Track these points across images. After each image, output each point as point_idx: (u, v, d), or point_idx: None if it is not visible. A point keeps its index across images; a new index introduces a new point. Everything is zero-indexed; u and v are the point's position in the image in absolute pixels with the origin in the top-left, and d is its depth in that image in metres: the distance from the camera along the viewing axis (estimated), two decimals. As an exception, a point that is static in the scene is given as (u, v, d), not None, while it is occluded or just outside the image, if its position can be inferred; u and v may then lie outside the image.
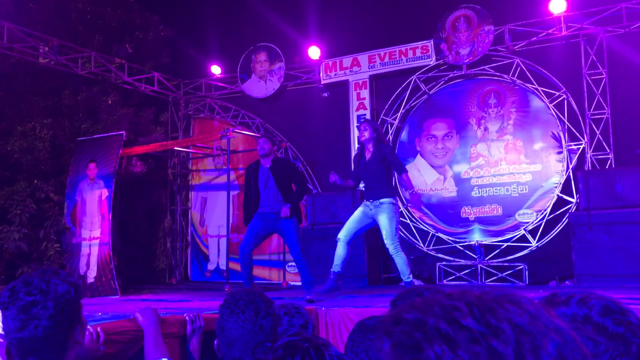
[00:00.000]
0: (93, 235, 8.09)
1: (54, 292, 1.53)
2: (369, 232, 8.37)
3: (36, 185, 8.45)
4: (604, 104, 7.77)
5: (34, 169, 8.59)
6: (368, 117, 9.18)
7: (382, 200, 5.42)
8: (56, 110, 8.98)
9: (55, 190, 8.70)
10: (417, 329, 0.58)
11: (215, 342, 1.94)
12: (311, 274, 5.73)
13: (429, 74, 8.84)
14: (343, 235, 5.59)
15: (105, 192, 8.15)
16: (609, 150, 7.70)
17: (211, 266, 10.35)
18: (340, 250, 5.59)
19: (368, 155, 5.62)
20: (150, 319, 2.37)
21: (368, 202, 5.53)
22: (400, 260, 5.36)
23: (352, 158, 5.73)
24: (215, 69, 10.59)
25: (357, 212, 5.64)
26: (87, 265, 7.98)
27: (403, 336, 0.58)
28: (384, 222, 5.36)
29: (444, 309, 0.59)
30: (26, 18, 9.12)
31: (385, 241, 5.39)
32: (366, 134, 5.57)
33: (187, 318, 2.62)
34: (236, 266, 9.71)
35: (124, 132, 8.54)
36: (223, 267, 9.76)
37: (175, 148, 10.06)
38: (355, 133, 9.26)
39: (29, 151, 8.39)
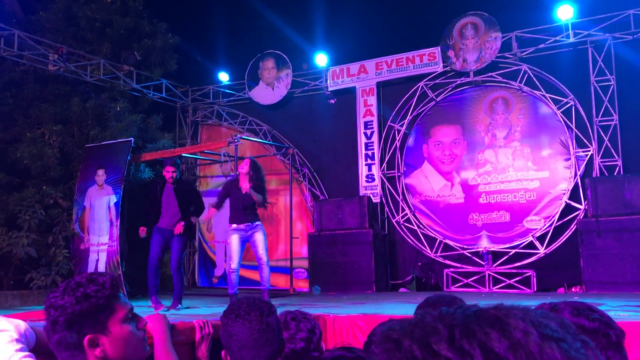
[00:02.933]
0: (101, 241, 8.13)
1: None
2: (376, 238, 8.38)
3: (45, 191, 8.50)
4: (612, 111, 7.75)
5: (43, 175, 8.64)
6: (375, 123, 9.20)
7: (256, 222, 6.20)
8: (65, 117, 9.04)
9: (64, 197, 8.75)
10: (397, 350, 0.58)
11: (223, 353, 1.95)
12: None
13: (436, 81, 8.85)
14: (236, 264, 6.19)
15: (113, 198, 8.19)
16: (617, 157, 7.68)
17: (218, 272, 10.36)
18: (235, 278, 6.28)
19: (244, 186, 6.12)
20: (161, 325, 2.38)
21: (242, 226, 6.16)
22: (268, 270, 6.32)
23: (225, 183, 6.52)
24: (223, 76, 10.64)
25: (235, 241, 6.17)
26: (95, 271, 8.00)
27: (385, 355, 0.58)
28: (261, 239, 6.18)
29: (425, 331, 0.58)
30: (36, 26, 9.21)
31: (261, 253, 6.17)
32: (246, 168, 6.15)
33: (196, 325, 2.63)
34: (243, 272, 9.72)
35: (132, 138, 8.59)
36: (230, 273, 9.77)
37: (183, 154, 10.10)
38: (363, 139, 9.27)
39: (38, 157, 8.45)
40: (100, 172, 8.38)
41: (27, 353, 1.58)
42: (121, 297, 1.58)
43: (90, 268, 8.05)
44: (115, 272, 7.80)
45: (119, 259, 7.89)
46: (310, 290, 8.63)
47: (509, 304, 0.61)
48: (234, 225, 6.15)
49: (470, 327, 0.56)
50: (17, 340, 1.60)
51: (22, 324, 1.68)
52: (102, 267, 7.98)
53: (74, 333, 1.47)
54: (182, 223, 6.29)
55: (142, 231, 6.39)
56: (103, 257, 8.03)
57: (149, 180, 9.45)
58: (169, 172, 6.40)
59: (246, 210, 6.13)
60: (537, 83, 8.12)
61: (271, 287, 9.47)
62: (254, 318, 1.91)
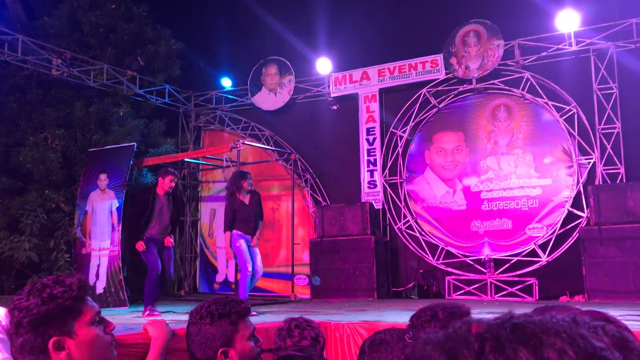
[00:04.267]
0: (103, 246, 8.12)
1: None
2: (378, 245, 8.37)
3: (47, 195, 8.51)
4: (615, 119, 7.75)
5: (46, 179, 8.65)
6: (377, 129, 9.21)
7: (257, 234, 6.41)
8: (68, 122, 9.07)
9: (66, 201, 8.76)
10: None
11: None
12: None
13: (439, 88, 8.86)
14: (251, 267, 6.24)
15: (115, 203, 8.19)
16: (619, 165, 7.67)
17: (219, 278, 10.35)
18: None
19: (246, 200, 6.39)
20: (161, 331, 2.37)
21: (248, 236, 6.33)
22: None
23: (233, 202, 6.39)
24: (226, 82, 10.67)
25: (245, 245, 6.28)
26: (97, 275, 8.00)
27: None
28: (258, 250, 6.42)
29: (457, 343, 0.57)
30: (40, 31, 9.25)
31: (260, 265, 6.31)
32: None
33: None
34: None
35: (135, 143, 8.61)
36: (231, 279, 9.76)
37: (186, 159, 10.11)
38: (365, 145, 9.28)
39: (41, 161, 8.46)
40: (103, 176, 8.38)
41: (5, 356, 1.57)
42: (88, 299, 1.55)
43: (92, 273, 8.05)
44: (116, 277, 7.80)
45: (121, 264, 7.88)
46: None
47: (560, 316, 0.57)
48: (241, 232, 6.25)
49: (501, 341, 0.54)
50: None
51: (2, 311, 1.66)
52: (103, 272, 7.97)
53: (38, 335, 1.43)
54: (172, 236, 6.47)
55: (141, 245, 6.19)
56: (104, 262, 8.03)
57: (151, 185, 9.46)
58: (173, 183, 6.42)
59: (253, 220, 6.36)
60: (540, 90, 8.12)
61: (272, 293, 9.48)
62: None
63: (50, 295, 1.45)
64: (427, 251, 8.59)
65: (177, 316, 5.96)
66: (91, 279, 8.03)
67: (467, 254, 8.32)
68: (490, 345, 0.54)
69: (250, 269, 6.13)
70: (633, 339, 0.56)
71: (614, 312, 4.78)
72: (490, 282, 8.01)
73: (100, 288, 7.90)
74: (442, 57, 8.79)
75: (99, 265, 8.06)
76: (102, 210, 8.28)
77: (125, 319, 5.54)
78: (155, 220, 6.32)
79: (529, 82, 8.20)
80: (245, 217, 6.29)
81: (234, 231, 6.23)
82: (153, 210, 6.32)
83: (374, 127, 9.26)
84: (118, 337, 2.17)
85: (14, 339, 1.45)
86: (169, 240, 6.39)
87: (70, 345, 1.46)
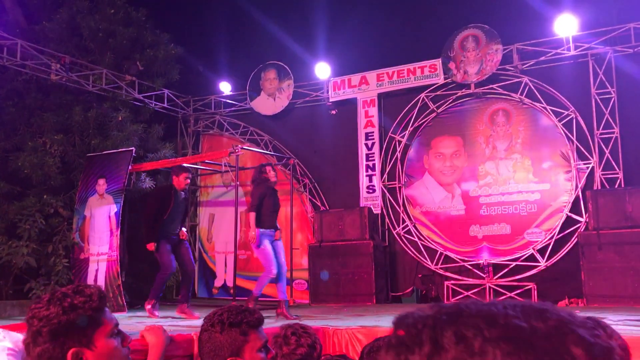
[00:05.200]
0: (101, 251, 8.11)
1: None
2: (377, 250, 8.36)
3: (46, 200, 8.49)
4: (613, 123, 7.76)
5: (44, 184, 8.64)
6: (376, 134, 9.21)
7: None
8: (67, 127, 9.06)
9: (65, 206, 8.74)
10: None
11: None
12: None
13: (437, 92, 8.87)
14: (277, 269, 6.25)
15: (114, 208, 8.18)
16: (618, 170, 7.67)
17: (218, 283, 10.33)
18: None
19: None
20: (159, 338, 2.36)
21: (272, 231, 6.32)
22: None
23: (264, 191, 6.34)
24: (225, 87, 10.67)
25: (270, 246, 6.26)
26: (95, 281, 7.98)
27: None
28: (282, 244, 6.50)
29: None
30: (39, 36, 9.26)
31: (284, 261, 6.36)
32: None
33: (194, 337, 2.62)
34: (244, 283, 9.69)
35: (133, 148, 8.60)
36: (230, 284, 9.74)
37: (184, 164, 10.09)
38: (364, 150, 9.28)
39: (39, 166, 8.45)
40: (101, 181, 8.38)
41: None
42: (107, 311, 1.54)
43: (90, 278, 8.03)
44: (115, 282, 7.78)
45: (119, 269, 7.87)
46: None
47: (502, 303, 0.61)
48: (267, 230, 6.22)
49: (437, 324, 0.59)
50: (15, 356, 1.59)
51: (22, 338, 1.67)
52: (101, 277, 7.96)
53: (57, 346, 1.41)
54: (185, 229, 6.69)
55: (152, 246, 6.28)
56: (103, 267, 8.01)
57: (150, 190, 9.45)
58: (188, 180, 6.63)
59: (276, 214, 6.42)
60: (538, 95, 8.13)
61: (270, 298, 9.46)
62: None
63: (71, 305, 1.44)
64: (426, 256, 8.58)
65: (174, 321, 5.94)
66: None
67: (466, 259, 8.31)
68: (429, 324, 0.59)
69: (274, 271, 6.12)
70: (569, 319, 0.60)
71: (613, 317, 4.79)
72: (489, 287, 8.00)
73: (98, 293, 7.88)
74: (440, 61, 8.80)
75: (97, 271, 8.04)
76: (101, 215, 8.27)
77: (124, 325, 5.52)
78: (170, 219, 6.49)
79: (527, 87, 8.21)
80: (272, 208, 6.29)
81: (259, 230, 6.17)
82: (169, 210, 6.49)
83: (373, 132, 9.26)
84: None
85: (31, 349, 1.43)
86: (184, 233, 6.63)
87: (88, 357, 1.44)
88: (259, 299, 6.36)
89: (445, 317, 0.60)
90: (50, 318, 1.41)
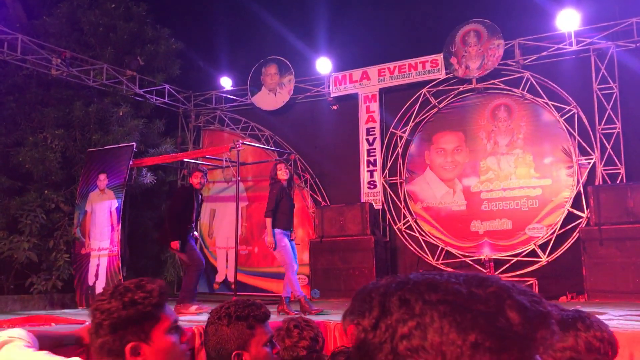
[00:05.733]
0: (102, 246, 8.11)
1: None
2: (378, 245, 8.35)
3: (47, 195, 8.50)
4: (615, 119, 7.74)
5: (45, 179, 8.64)
6: (377, 129, 9.19)
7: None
8: (67, 121, 9.05)
9: (66, 201, 8.75)
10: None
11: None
12: None
13: (439, 88, 8.85)
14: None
15: (115, 203, 8.18)
16: (620, 165, 7.66)
17: (219, 278, 10.34)
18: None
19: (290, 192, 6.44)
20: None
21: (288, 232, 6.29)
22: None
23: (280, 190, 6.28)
24: (226, 82, 10.65)
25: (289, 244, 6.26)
26: (96, 275, 7.99)
27: None
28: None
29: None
30: (39, 31, 9.24)
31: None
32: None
33: (196, 331, 2.61)
34: (244, 278, 9.70)
35: (134, 143, 8.59)
36: (231, 279, 9.74)
37: (185, 159, 10.09)
38: (365, 145, 9.26)
39: (40, 161, 8.45)
40: (102, 176, 8.37)
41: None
42: (167, 307, 1.55)
43: (91, 273, 8.04)
44: (116, 277, 7.78)
45: (120, 264, 7.88)
46: (310, 294, 8.60)
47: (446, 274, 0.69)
48: (284, 231, 6.23)
49: (388, 292, 0.67)
50: (30, 347, 1.59)
51: (24, 332, 1.67)
52: (102, 273, 7.96)
53: (117, 339, 1.45)
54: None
55: (177, 245, 6.22)
56: (104, 262, 8.02)
57: (151, 185, 9.46)
58: (203, 179, 6.61)
59: (292, 214, 6.39)
60: (540, 90, 8.11)
61: (272, 293, 9.47)
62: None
63: (131, 300, 1.47)
64: (427, 251, 8.58)
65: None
66: (90, 279, 8.03)
67: (467, 254, 8.31)
68: (380, 292, 0.67)
69: (295, 265, 6.18)
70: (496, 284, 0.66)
71: (614, 312, 4.78)
72: (490, 283, 7.99)
73: (99, 288, 7.89)
74: (442, 56, 8.77)
75: (98, 265, 8.05)
76: (102, 210, 8.27)
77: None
78: (195, 216, 6.60)
79: (529, 82, 8.18)
80: (288, 208, 6.27)
81: (277, 230, 6.12)
82: (192, 209, 6.55)
83: (374, 127, 9.25)
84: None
85: (93, 339, 1.47)
86: (195, 235, 6.73)
87: (146, 352, 1.46)
88: (257, 294, 6.37)
89: (394, 285, 0.67)
90: (111, 312, 1.45)
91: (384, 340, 0.64)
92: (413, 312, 0.63)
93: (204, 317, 5.49)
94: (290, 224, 6.28)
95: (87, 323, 1.67)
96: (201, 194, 6.85)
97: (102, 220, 8.24)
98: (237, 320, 1.83)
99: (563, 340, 1.14)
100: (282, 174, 6.28)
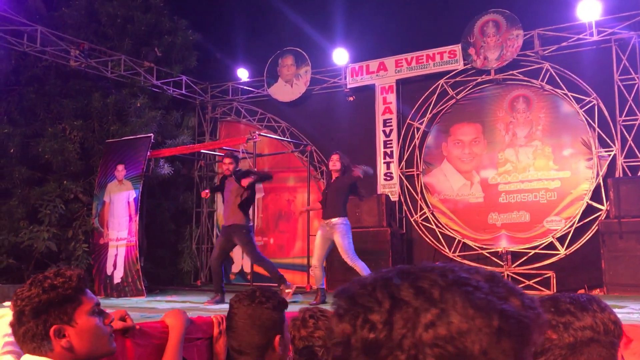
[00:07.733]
0: (120, 236, 8.19)
1: None
2: (394, 237, 8.33)
3: (66, 186, 8.59)
4: (637, 110, 7.62)
5: (64, 169, 8.74)
6: (394, 121, 9.14)
7: (334, 220, 6.21)
8: (86, 113, 9.13)
9: (84, 191, 8.84)
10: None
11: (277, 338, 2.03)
12: None
13: (457, 79, 8.77)
14: (316, 261, 6.33)
15: (132, 194, 8.24)
16: (641, 157, 7.54)
17: (235, 268, 10.39)
18: (318, 273, 6.37)
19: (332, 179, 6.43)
20: (178, 320, 2.38)
21: (323, 222, 6.27)
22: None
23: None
24: (242, 73, 10.66)
25: (317, 237, 6.34)
26: (114, 265, 8.08)
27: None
28: (338, 240, 6.15)
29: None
30: (58, 22, 9.31)
31: (344, 257, 6.21)
32: (338, 165, 6.34)
33: (214, 320, 2.63)
34: (261, 269, 9.73)
35: (152, 134, 8.65)
36: (247, 269, 9.79)
37: (202, 151, 10.14)
38: (381, 137, 9.22)
39: (59, 152, 8.54)
40: (120, 167, 8.44)
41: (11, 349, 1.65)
42: (88, 291, 1.61)
43: (109, 263, 8.13)
44: (134, 267, 7.86)
45: (138, 254, 7.95)
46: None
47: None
48: (321, 222, 6.35)
49: (389, 280, 0.64)
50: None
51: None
52: (120, 262, 8.05)
53: (40, 323, 1.49)
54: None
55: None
56: (122, 252, 8.10)
57: (168, 176, 9.52)
58: (230, 165, 6.59)
59: (325, 205, 6.33)
60: (559, 81, 8.00)
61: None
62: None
63: (51, 285, 1.52)
64: (444, 243, 8.54)
65: (193, 305, 6.00)
66: (109, 269, 8.11)
67: (484, 247, 8.26)
68: (379, 284, 0.63)
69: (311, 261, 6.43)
70: (502, 277, 0.65)
71: (633, 306, 4.72)
72: (508, 275, 7.94)
73: (117, 278, 7.98)
74: (460, 47, 8.69)
75: (116, 255, 8.13)
76: (120, 200, 8.34)
77: (143, 308, 5.58)
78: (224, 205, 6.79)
79: (548, 73, 8.08)
80: (322, 199, 6.36)
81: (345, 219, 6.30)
82: (223, 196, 6.75)
83: (391, 119, 9.20)
84: (141, 325, 2.18)
85: (16, 329, 1.52)
86: None
87: (70, 334, 1.51)
88: (275, 285, 6.42)
89: (394, 276, 0.64)
90: (31, 298, 1.49)
91: (403, 335, 0.59)
92: (433, 298, 0.60)
93: (222, 307, 5.53)
94: (324, 214, 6.37)
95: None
96: (234, 178, 6.55)
97: (120, 210, 8.31)
98: (280, 305, 2.01)
99: (581, 320, 1.13)
100: (331, 164, 6.49)
